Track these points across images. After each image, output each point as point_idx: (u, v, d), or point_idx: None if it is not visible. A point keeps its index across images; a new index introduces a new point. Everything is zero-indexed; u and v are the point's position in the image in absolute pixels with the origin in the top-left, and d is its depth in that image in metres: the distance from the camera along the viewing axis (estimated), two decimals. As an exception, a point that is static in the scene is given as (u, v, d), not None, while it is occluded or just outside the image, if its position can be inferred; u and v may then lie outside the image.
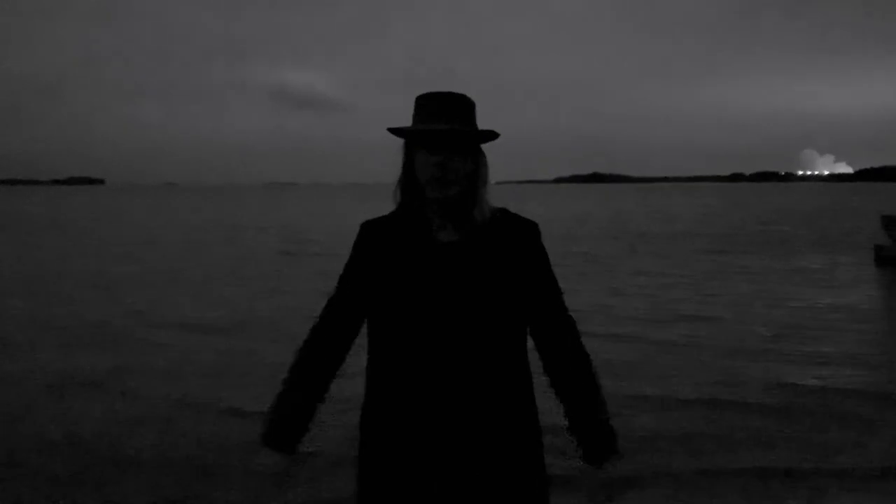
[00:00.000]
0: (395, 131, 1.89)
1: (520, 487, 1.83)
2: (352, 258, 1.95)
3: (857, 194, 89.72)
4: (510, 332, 1.85)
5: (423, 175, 1.84)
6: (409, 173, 1.89)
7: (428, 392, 1.80)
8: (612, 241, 24.20)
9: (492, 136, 1.89)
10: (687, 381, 6.86)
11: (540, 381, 1.93)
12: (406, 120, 1.90)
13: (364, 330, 1.95)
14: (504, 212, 1.93)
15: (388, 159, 1.92)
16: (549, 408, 1.93)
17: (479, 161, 1.89)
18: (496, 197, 1.92)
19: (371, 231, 1.93)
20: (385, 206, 1.94)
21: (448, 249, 1.85)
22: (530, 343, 1.92)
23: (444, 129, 1.81)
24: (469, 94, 1.91)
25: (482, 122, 1.91)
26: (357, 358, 1.97)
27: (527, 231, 1.91)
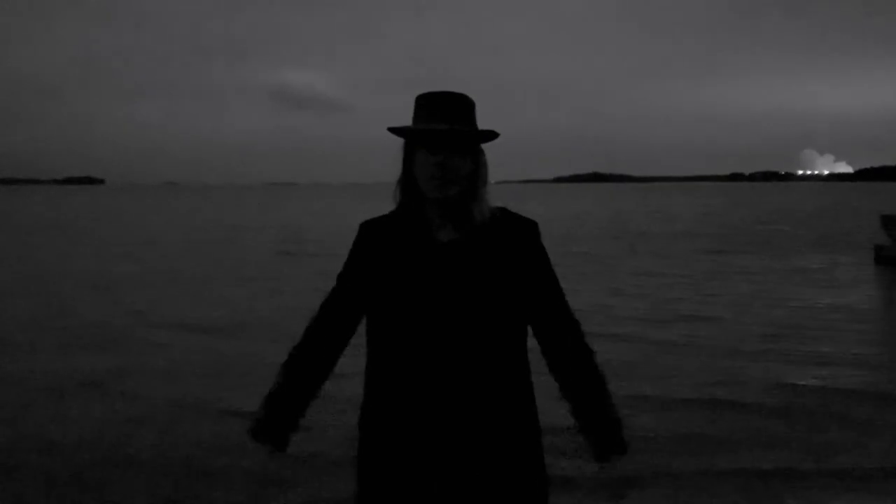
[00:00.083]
0: (394, 131, 1.89)
1: (520, 487, 1.83)
2: (351, 257, 1.95)
3: (857, 194, 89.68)
4: (510, 331, 1.85)
5: (423, 175, 1.84)
6: (408, 173, 1.89)
7: (427, 392, 1.80)
8: (612, 241, 24.17)
9: (492, 135, 1.89)
10: (687, 381, 6.86)
11: (540, 381, 1.92)
12: (406, 120, 1.90)
13: (363, 330, 1.95)
14: (504, 211, 1.93)
15: (388, 159, 1.92)
16: (549, 408, 1.93)
17: (478, 161, 1.89)
18: (496, 196, 1.92)
19: (371, 231, 1.93)
20: (385, 205, 1.94)
21: (448, 249, 1.85)
22: (530, 343, 1.92)
23: (444, 129, 1.82)
24: (469, 94, 1.91)
25: (482, 122, 1.91)
26: (357, 358, 1.96)
27: (526, 230, 1.91)
